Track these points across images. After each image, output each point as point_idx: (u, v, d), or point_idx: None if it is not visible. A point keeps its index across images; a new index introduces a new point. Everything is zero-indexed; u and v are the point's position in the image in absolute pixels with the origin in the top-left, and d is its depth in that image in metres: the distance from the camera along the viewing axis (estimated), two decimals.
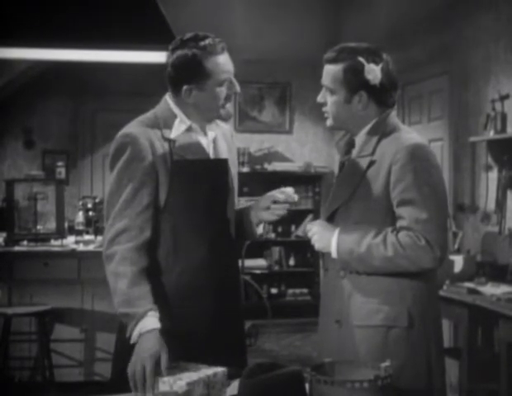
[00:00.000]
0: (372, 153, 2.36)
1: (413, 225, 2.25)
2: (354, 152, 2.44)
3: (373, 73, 2.34)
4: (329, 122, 2.46)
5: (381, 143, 2.36)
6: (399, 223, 2.29)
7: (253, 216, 2.55)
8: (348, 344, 2.34)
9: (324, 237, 2.37)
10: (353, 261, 2.32)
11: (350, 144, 2.50)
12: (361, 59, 2.34)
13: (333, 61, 2.39)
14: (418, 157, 2.27)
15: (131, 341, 2.22)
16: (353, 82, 2.35)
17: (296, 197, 2.47)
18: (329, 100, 2.42)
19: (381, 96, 2.39)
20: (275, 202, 2.47)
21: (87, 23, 5.08)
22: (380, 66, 2.36)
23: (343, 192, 2.41)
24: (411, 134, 2.38)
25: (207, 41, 2.35)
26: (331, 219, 2.44)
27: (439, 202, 2.30)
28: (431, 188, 2.27)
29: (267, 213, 2.50)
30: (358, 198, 2.35)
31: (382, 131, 2.38)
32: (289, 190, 2.47)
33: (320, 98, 2.45)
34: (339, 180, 2.50)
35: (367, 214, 2.33)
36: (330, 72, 2.39)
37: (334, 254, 2.35)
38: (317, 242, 2.39)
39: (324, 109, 2.45)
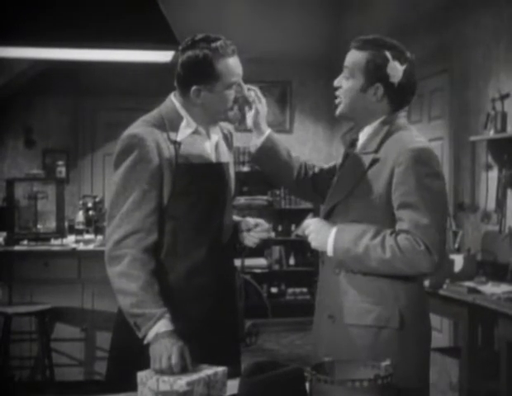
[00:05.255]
0: (376, 151, 2.35)
1: (413, 229, 2.24)
2: (358, 146, 2.44)
3: (395, 70, 2.35)
4: (339, 109, 2.44)
5: (386, 141, 2.35)
6: (398, 226, 2.28)
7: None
8: (340, 341, 2.34)
9: (320, 235, 2.36)
10: (349, 260, 2.31)
11: (355, 138, 2.49)
12: (387, 54, 2.35)
13: (359, 47, 2.39)
14: (421, 161, 2.26)
15: (145, 342, 2.23)
16: (374, 72, 2.35)
17: (266, 235, 2.57)
18: (344, 84, 2.41)
19: (397, 95, 2.38)
20: (249, 230, 2.55)
21: (87, 22, 5.08)
22: (404, 67, 2.36)
23: (343, 188, 2.41)
24: (417, 138, 2.36)
25: (219, 43, 2.34)
26: (330, 214, 2.44)
27: (440, 208, 2.29)
28: (433, 194, 2.27)
29: (242, 236, 2.57)
30: (358, 195, 2.34)
31: (388, 130, 2.37)
32: (263, 224, 2.56)
33: (336, 82, 2.44)
34: (341, 174, 2.49)
35: (367, 212, 2.32)
36: (354, 56, 2.39)
37: (330, 253, 2.34)
38: (314, 241, 2.38)
39: (337, 93, 2.43)
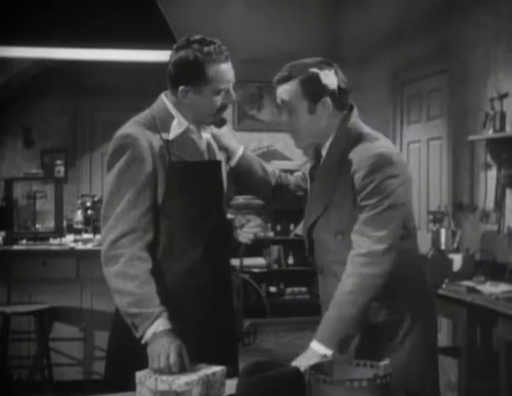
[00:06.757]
0: (340, 163, 2.36)
1: (361, 227, 2.27)
2: (322, 162, 2.46)
3: (329, 77, 2.36)
4: (296, 142, 2.46)
5: (348, 152, 2.36)
6: (353, 230, 2.29)
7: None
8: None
9: (305, 355, 2.23)
10: (339, 332, 2.24)
11: (318, 152, 2.50)
12: (312, 69, 2.36)
13: (286, 79, 2.38)
14: (377, 167, 2.28)
15: (143, 341, 2.23)
16: (314, 91, 2.36)
17: (259, 230, 2.57)
18: (290, 119, 2.41)
19: (341, 99, 2.40)
20: (242, 226, 2.56)
21: (86, 22, 5.08)
22: (332, 71, 2.38)
23: (318, 204, 2.43)
24: (376, 142, 2.37)
25: (212, 47, 2.34)
26: (312, 229, 2.45)
27: (394, 203, 2.29)
28: (386, 194, 2.27)
29: (236, 233, 2.58)
30: (334, 207, 2.37)
31: (347, 138, 2.38)
32: (256, 219, 2.56)
33: (283, 123, 2.44)
34: (313, 190, 2.51)
35: (345, 223, 2.34)
36: (287, 89, 2.39)
37: (323, 350, 2.22)
38: (306, 362, 2.14)
39: (288, 129, 2.45)
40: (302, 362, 2.15)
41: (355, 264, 2.25)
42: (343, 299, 2.24)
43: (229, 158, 2.62)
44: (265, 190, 2.68)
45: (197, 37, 2.37)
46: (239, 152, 2.62)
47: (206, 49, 2.33)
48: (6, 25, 5.07)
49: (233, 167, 2.61)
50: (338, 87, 2.37)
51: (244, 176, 2.65)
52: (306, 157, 2.65)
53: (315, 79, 2.35)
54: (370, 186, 2.27)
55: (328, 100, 2.36)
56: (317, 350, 2.22)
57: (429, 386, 2.39)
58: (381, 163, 2.29)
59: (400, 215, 2.31)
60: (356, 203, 2.31)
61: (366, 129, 2.43)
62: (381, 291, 2.25)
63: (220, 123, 2.47)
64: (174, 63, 2.37)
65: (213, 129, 2.55)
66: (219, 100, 2.38)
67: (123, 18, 5.12)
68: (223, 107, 2.41)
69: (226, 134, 2.60)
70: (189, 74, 2.34)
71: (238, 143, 2.65)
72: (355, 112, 2.44)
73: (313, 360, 2.13)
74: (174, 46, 2.40)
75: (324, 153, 2.45)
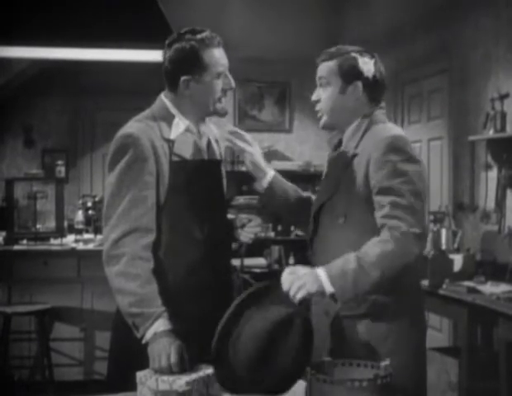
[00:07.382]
0: (356, 147, 2.41)
1: (392, 210, 2.24)
2: (342, 147, 2.50)
3: (367, 65, 2.44)
4: (323, 120, 2.50)
5: (364, 136, 2.41)
6: (378, 212, 2.28)
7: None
8: (337, 335, 2.36)
9: (307, 276, 2.19)
10: (349, 283, 2.18)
11: (340, 142, 2.55)
12: (354, 54, 2.45)
13: (327, 59, 2.48)
14: (395, 148, 2.31)
15: (143, 341, 2.23)
16: (349, 72, 2.44)
17: (260, 229, 2.57)
18: (323, 95, 2.48)
19: (374, 89, 2.47)
20: (243, 226, 2.57)
21: (86, 22, 5.08)
22: (373, 61, 2.46)
23: (328, 187, 2.47)
24: (392, 129, 2.42)
25: (204, 34, 2.39)
26: (318, 214, 2.46)
27: (417, 190, 2.28)
28: (408, 177, 2.28)
29: (237, 233, 2.59)
30: (342, 191, 2.39)
31: (367, 126, 2.43)
32: (256, 219, 2.57)
33: (315, 96, 2.51)
34: (325, 176, 2.56)
35: (349, 206, 2.35)
36: (326, 66, 2.48)
37: (327, 284, 2.18)
38: (304, 288, 2.16)
39: (317, 107, 2.50)
40: (300, 285, 2.13)
41: (392, 236, 2.20)
42: (367, 259, 2.18)
43: (256, 179, 2.56)
44: (302, 215, 2.61)
45: (187, 29, 2.41)
46: (271, 173, 2.57)
47: (198, 36, 2.38)
48: (6, 25, 5.07)
49: (266, 187, 2.56)
50: (374, 77, 2.45)
51: (278, 200, 2.59)
52: (330, 148, 2.64)
53: (353, 62, 2.44)
54: (387, 167, 2.28)
55: (359, 84, 2.43)
56: (321, 276, 2.17)
57: (417, 382, 2.39)
58: (397, 145, 2.32)
59: (423, 205, 2.30)
60: (369, 185, 2.31)
61: (385, 121, 2.47)
62: (400, 274, 2.22)
63: (222, 111, 2.47)
64: (171, 58, 2.40)
65: (240, 144, 2.50)
66: (219, 84, 2.41)
67: (124, 18, 5.12)
68: (224, 92, 2.44)
69: (257, 152, 2.53)
70: (188, 64, 2.37)
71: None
72: (382, 110, 2.49)
73: (312, 286, 2.13)
74: (166, 43, 2.43)
75: (344, 138, 2.48)
